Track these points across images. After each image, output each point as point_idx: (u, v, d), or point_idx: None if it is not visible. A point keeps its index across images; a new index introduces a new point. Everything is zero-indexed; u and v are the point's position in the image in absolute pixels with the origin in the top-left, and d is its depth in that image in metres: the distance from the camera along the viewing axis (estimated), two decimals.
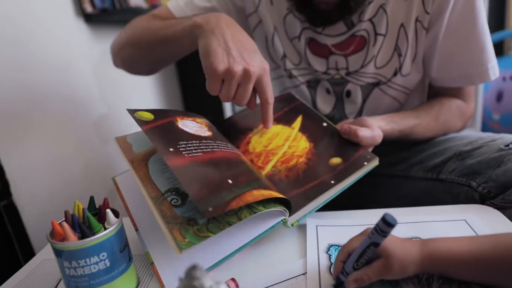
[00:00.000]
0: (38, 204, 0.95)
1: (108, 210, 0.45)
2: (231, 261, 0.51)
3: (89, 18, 1.14)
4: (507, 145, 0.59)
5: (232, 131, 0.66)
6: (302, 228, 0.57)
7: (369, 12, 0.69)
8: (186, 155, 0.49)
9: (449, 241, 0.40)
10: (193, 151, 0.50)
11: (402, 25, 0.69)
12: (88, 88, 1.20)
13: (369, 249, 0.38)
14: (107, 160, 1.25)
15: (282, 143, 0.63)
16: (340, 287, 0.43)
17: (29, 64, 0.95)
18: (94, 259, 0.43)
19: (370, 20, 0.69)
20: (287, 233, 0.57)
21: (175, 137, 0.52)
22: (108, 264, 0.44)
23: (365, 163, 0.57)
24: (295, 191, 0.55)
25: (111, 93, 1.31)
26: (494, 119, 1.50)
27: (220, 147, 0.55)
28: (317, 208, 0.55)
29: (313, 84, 0.79)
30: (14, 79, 0.91)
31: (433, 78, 0.75)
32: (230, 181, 0.47)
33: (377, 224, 0.37)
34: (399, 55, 0.71)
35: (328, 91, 0.78)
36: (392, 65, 0.72)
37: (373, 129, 0.61)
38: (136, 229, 0.51)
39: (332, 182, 0.55)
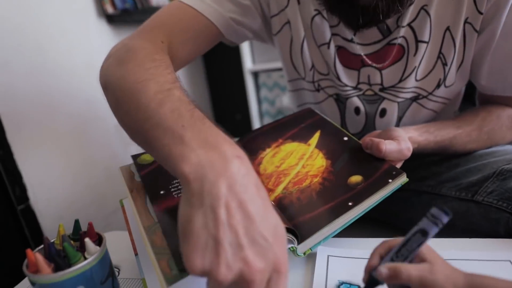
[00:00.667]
0: (55, 209, 0.95)
1: (87, 239, 0.41)
2: None
3: (111, 19, 1.13)
4: None
5: (246, 150, 0.61)
6: (312, 257, 0.50)
7: (408, 15, 0.58)
8: (176, 195, 0.46)
9: (495, 280, 0.34)
10: None
11: (448, 29, 0.58)
12: None
13: (415, 236, 0.33)
14: (128, 163, 1.24)
15: (295, 162, 0.56)
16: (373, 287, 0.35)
17: (51, 69, 0.95)
18: None
19: (410, 25, 0.59)
20: (294, 262, 0.50)
21: (170, 177, 0.49)
22: None
23: (390, 180, 0.49)
24: (307, 215, 0.49)
25: None
26: None
27: None
28: (333, 235, 0.48)
29: (342, 99, 0.69)
30: (36, 85, 0.91)
31: (482, 86, 0.64)
32: None
33: (429, 211, 0.33)
34: (444, 64, 0.61)
35: (357, 111, 0.68)
36: (435, 76, 0.62)
37: (400, 141, 0.53)
38: (136, 254, 0.47)
39: (350, 203, 0.48)
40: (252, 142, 0.62)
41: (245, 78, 1.73)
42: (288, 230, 0.45)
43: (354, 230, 0.52)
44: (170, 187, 0.48)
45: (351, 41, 0.63)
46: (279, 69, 1.72)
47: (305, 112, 0.65)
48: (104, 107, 1.21)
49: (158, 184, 0.48)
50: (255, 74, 1.82)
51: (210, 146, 0.35)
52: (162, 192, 0.47)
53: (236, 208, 0.31)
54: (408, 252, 0.33)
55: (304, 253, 0.47)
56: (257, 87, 1.84)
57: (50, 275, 0.38)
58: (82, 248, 0.43)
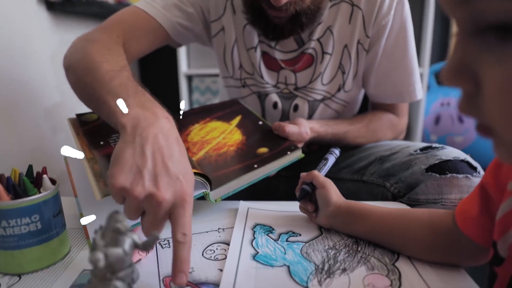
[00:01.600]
0: None
1: (45, 176, 0.48)
2: None
3: (51, 6, 1.15)
4: (416, 151, 0.67)
5: (179, 123, 0.72)
6: (235, 211, 0.62)
7: (317, 32, 0.75)
8: (113, 145, 0.59)
9: (367, 204, 0.54)
10: None
11: (346, 46, 0.76)
12: (44, 75, 1.19)
13: (321, 163, 0.63)
14: (55, 149, 1.24)
15: (217, 135, 0.69)
16: (304, 197, 0.57)
17: None
18: (25, 220, 0.45)
19: (318, 40, 0.76)
20: (222, 212, 0.61)
21: (110, 130, 0.60)
22: (39, 226, 0.46)
23: (288, 152, 0.64)
24: (221, 171, 0.61)
25: (67, 83, 1.31)
26: (432, 140, 1.66)
27: None
28: (240, 189, 0.61)
29: (262, 97, 0.84)
30: None
31: (370, 94, 0.84)
32: None
33: (330, 149, 0.66)
34: (343, 72, 0.78)
35: (275, 105, 0.83)
36: (336, 82, 0.79)
37: (301, 126, 0.68)
38: (76, 195, 0.55)
39: (255, 166, 0.62)
40: (185, 118, 0.74)
41: (179, 81, 1.82)
42: (206, 178, 0.57)
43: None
44: (108, 139, 0.60)
45: (274, 47, 0.78)
46: (213, 75, 1.84)
47: (232, 101, 0.79)
48: (38, 89, 1.21)
49: (98, 136, 0.61)
50: (189, 78, 1.92)
51: (146, 108, 0.48)
52: (101, 142, 0.60)
53: (158, 150, 0.43)
54: (319, 170, 0.60)
55: (216, 200, 0.59)
56: (190, 91, 1.93)
57: (10, 201, 0.44)
58: (37, 186, 0.49)
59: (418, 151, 0.66)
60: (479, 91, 0.22)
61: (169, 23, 0.75)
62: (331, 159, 0.64)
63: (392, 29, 0.73)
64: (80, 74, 0.58)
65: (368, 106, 0.96)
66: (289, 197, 0.68)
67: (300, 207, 0.58)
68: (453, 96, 1.54)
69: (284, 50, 0.78)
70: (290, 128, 0.67)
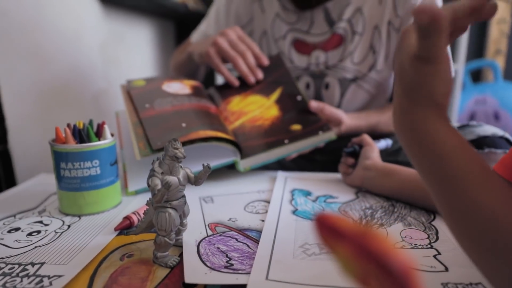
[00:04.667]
0: (31, 157, 1.01)
1: (106, 126, 0.52)
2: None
3: None
4: None
5: (222, 92, 0.76)
6: (273, 179, 0.65)
7: (347, 13, 0.78)
8: (158, 108, 0.65)
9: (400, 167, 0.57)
10: (164, 105, 0.65)
11: (376, 26, 0.78)
12: (92, 62, 1.27)
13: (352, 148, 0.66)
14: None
15: (255, 108, 0.72)
16: (351, 154, 0.64)
17: (43, 26, 1.03)
18: (87, 164, 0.50)
19: (349, 20, 0.79)
20: (262, 180, 0.64)
21: (155, 95, 0.67)
22: (98, 171, 0.51)
23: (320, 132, 0.66)
24: (253, 142, 0.64)
25: (114, 71, 1.38)
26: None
27: (191, 101, 0.68)
28: (269, 161, 0.64)
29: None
30: (27, 40, 0.98)
31: None
32: (183, 125, 0.61)
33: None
34: (374, 52, 0.80)
35: (307, 86, 0.86)
36: (368, 61, 0.81)
37: (337, 111, 0.71)
38: (121, 148, 0.63)
39: (286, 141, 0.64)
40: (227, 88, 0.77)
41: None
42: (237, 147, 0.61)
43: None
44: (153, 103, 0.66)
45: (307, 32, 0.81)
46: None
47: (275, 59, 0.80)
48: (86, 75, 1.28)
49: (144, 100, 0.67)
50: None
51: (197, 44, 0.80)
52: (146, 105, 0.65)
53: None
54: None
55: (245, 169, 0.62)
56: None
57: (77, 145, 0.49)
58: (97, 136, 0.53)
59: (456, 128, 0.67)
60: None
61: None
62: (381, 144, 0.68)
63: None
64: (174, 60, 0.98)
65: None
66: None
67: (341, 164, 0.63)
68: (488, 93, 1.52)
69: (317, 32, 0.82)
70: (328, 108, 0.70)
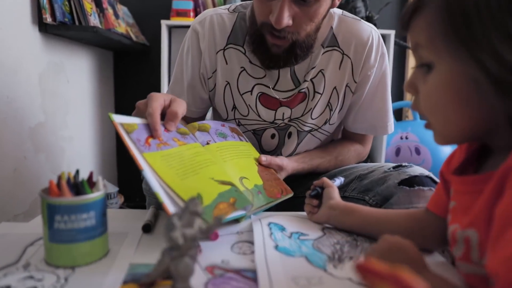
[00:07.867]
0: None
1: (99, 177, 0.54)
2: None
3: (44, 28, 1.19)
4: (389, 169, 0.82)
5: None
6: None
7: (311, 74, 0.90)
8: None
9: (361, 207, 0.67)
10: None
11: (335, 87, 0.92)
12: (31, 95, 1.21)
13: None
14: (36, 169, 1.24)
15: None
16: (315, 196, 0.71)
17: None
18: (83, 215, 0.51)
19: (312, 80, 0.90)
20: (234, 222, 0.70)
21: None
22: (93, 223, 0.52)
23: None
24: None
25: (52, 103, 1.32)
26: None
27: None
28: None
29: (259, 132, 0.96)
30: None
31: (347, 125, 1.00)
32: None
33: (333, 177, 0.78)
34: (330, 109, 0.93)
35: (272, 136, 0.96)
36: (324, 116, 0.94)
37: (278, 159, 0.86)
38: (141, 169, 0.57)
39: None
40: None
41: None
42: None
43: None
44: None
45: (273, 88, 0.91)
46: None
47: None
48: (24, 108, 1.23)
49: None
50: None
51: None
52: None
53: None
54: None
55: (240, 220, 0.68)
56: None
57: (75, 198, 0.50)
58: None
59: (391, 169, 0.81)
60: (418, 96, 0.45)
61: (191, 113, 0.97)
62: (337, 183, 0.76)
63: (375, 78, 0.92)
64: None
65: None
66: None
67: (306, 205, 0.72)
68: (410, 130, 1.79)
69: (283, 89, 0.91)
70: (274, 160, 0.84)
